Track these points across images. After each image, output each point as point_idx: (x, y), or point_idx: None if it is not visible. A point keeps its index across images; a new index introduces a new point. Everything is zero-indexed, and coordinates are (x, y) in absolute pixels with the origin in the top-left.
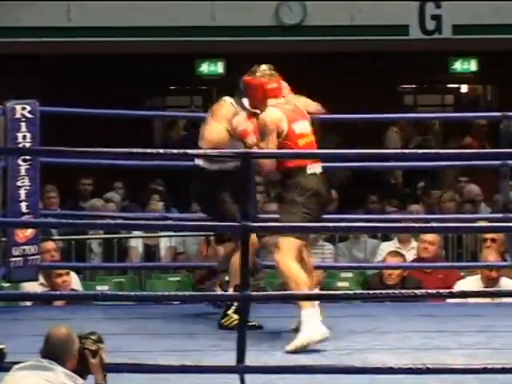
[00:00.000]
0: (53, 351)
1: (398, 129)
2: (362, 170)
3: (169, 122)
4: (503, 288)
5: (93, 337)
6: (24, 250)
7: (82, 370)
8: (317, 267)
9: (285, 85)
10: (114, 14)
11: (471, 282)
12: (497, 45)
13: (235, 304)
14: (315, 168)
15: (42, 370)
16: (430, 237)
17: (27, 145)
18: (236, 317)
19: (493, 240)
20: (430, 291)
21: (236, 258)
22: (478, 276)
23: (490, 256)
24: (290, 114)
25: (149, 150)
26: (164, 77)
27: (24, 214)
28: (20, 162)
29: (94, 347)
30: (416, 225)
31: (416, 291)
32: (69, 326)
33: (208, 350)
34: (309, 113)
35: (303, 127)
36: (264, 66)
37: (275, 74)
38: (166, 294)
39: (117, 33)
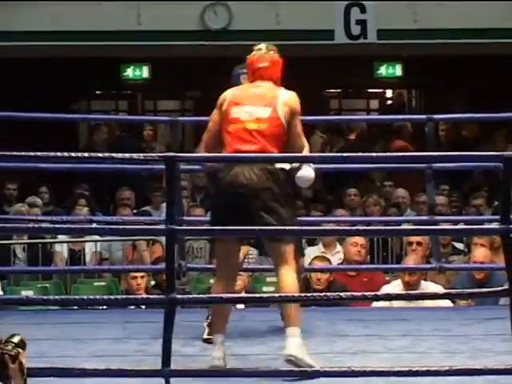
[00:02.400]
0: None
1: (321, 133)
2: None
3: (93, 126)
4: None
5: (14, 340)
6: None
7: (1, 375)
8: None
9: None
10: (39, 17)
11: (394, 287)
12: (421, 50)
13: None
14: None
15: None
16: (361, 240)
17: None
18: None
19: (418, 243)
20: (355, 294)
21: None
22: (399, 282)
23: (410, 260)
24: (241, 96)
25: (73, 154)
26: (89, 81)
27: None
28: None
29: (13, 352)
30: (343, 228)
31: (341, 294)
32: None
33: (134, 354)
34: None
35: (246, 112)
36: (263, 44)
37: (269, 53)
38: (92, 298)
39: (43, 37)
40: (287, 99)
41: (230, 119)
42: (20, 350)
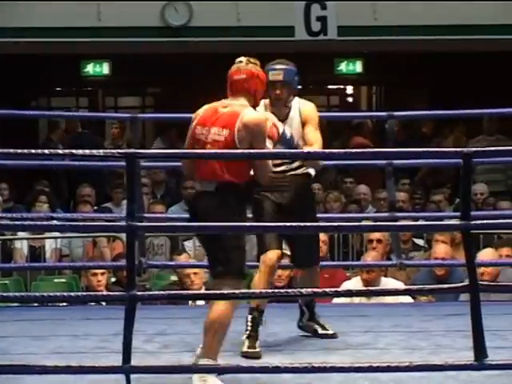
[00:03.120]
0: None
1: None
2: None
3: (52, 122)
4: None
5: None
6: None
7: None
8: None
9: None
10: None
11: (355, 283)
12: (382, 46)
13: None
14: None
15: None
16: (322, 236)
17: None
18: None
19: (378, 241)
20: (315, 290)
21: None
22: (359, 278)
23: (368, 257)
24: (207, 116)
25: (33, 151)
26: (49, 78)
27: None
28: None
29: None
30: (303, 224)
31: (302, 290)
32: None
33: (95, 351)
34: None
35: (206, 134)
36: (243, 58)
37: (247, 66)
38: (52, 294)
39: (2, 33)
40: (247, 120)
41: (196, 139)
42: None
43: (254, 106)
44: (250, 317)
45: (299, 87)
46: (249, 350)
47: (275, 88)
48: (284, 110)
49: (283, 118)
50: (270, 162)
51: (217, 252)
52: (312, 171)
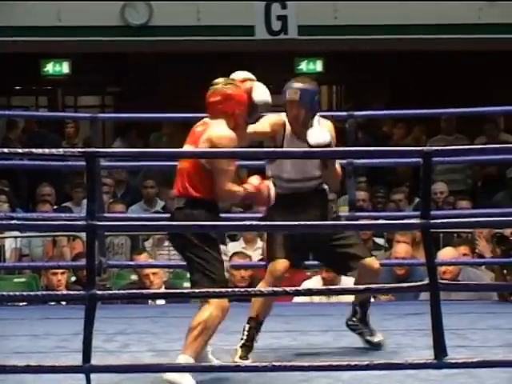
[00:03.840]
0: None
1: None
2: None
3: (10, 121)
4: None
5: None
6: None
7: None
8: (165, 266)
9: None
10: None
11: (315, 282)
12: (342, 45)
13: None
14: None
15: None
16: None
17: None
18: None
19: None
20: (275, 289)
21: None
22: (319, 277)
23: None
24: (189, 133)
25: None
26: (9, 77)
27: None
28: None
29: None
30: (262, 223)
31: (262, 289)
32: None
33: (55, 350)
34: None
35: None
36: (221, 79)
37: (224, 88)
38: (12, 294)
39: None
40: (210, 136)
41: None
42: None
43: (235, 127)
44: (247, 326)
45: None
46: (239, 361)
47: (291, 108)
48: (303, 130)
49: (304, 139)
50: (234, 188)
51: (193, 261)
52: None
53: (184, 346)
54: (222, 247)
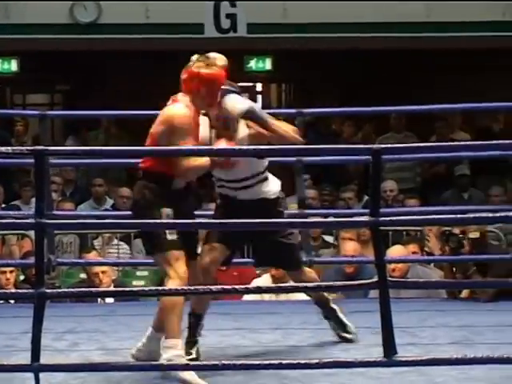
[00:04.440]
0: None
1: None
2: None
3: None
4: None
5: None
6: None
7: None
8: (114, 264)
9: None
10: None
11: (264, 280)
12: (291, 44)
13: None
14: None
15: None
16: None
17: None
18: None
19: None
20: (225, 287)
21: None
22: (268, 275)
23: None
24: None
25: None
26: None
27: None
28: None
29: None
30: (212, 221)
31: (212, 287)
32: None
33: (3, 349)
34: None
35: None
36: (195, 56)
37: (191, 66)
38: None
39: None
40: (164, 116)
41: None
42: None
43: (202, 106)
44: (187, 322)
45: None
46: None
47: None
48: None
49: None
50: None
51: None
52: None
53: (166, 333)
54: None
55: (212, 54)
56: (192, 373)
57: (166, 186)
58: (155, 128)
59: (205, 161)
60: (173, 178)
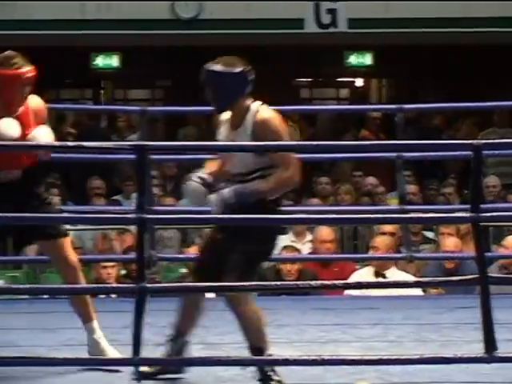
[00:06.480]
0: None
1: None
2: None
3: (60, 115)
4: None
5: None
6: None
7: None
8: None
9: None
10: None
11: (366, 272)
12: (392, 39)
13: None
14: None
15: None
16: (330, 236)
17: None
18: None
19: (391, 233)
20: (325, 282)
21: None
22: (370, 268)
23: (376, 242)
24: None
25: (43, 143)
26: (59, 70)
27: None
28: None
29: None
30: (313, 216)
31: (311, 282)
32: None
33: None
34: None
35: None
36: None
37: None
38: (62, 287)
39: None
40: None
41: None
42: None
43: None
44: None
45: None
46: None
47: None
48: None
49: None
50: None
51: None
52: None
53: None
54: None
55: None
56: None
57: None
58: None
59: None
60: None
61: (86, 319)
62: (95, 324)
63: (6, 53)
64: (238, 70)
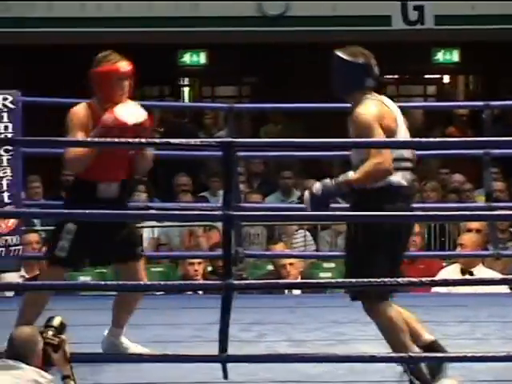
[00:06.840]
0: (17, 352)
1: None
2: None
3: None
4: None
5: (54, 323)
6: (6, 240)
7: (45, 365)
8: (300, 256)
9: None
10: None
11: (453, 269)
12: (479, 35)
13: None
14: None
15: (9, 369)
16: (416, 227)
17: (9, 135)
18: None
19: (477, 231)
20: (412, 279)
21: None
22: (457, 265)
23: (463, 240)
24: None
25: (130, 140)
26: (143, 67)
27: (6, 204)
28: (2, 152)
29: (55, 341)
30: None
31: (398, 279)
32: (33, 326)
33: (190, 340)
34: None
35: None
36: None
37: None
38: (149, 283)
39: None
40: None
41: None
42: (63, 337)
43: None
44: None
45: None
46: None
47: None
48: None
49: None
50: None
51: None
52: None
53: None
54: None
55: None
56: None
57: None
58: None
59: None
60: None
61: (119, 325)
62: (122, 333)
63: (101, 53)
64: (360, 61)
